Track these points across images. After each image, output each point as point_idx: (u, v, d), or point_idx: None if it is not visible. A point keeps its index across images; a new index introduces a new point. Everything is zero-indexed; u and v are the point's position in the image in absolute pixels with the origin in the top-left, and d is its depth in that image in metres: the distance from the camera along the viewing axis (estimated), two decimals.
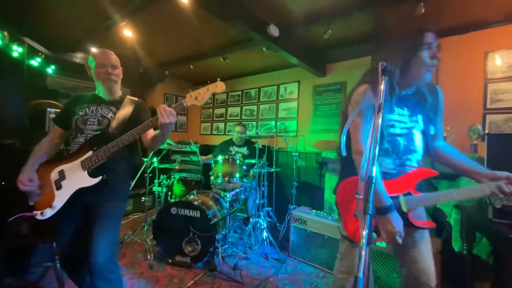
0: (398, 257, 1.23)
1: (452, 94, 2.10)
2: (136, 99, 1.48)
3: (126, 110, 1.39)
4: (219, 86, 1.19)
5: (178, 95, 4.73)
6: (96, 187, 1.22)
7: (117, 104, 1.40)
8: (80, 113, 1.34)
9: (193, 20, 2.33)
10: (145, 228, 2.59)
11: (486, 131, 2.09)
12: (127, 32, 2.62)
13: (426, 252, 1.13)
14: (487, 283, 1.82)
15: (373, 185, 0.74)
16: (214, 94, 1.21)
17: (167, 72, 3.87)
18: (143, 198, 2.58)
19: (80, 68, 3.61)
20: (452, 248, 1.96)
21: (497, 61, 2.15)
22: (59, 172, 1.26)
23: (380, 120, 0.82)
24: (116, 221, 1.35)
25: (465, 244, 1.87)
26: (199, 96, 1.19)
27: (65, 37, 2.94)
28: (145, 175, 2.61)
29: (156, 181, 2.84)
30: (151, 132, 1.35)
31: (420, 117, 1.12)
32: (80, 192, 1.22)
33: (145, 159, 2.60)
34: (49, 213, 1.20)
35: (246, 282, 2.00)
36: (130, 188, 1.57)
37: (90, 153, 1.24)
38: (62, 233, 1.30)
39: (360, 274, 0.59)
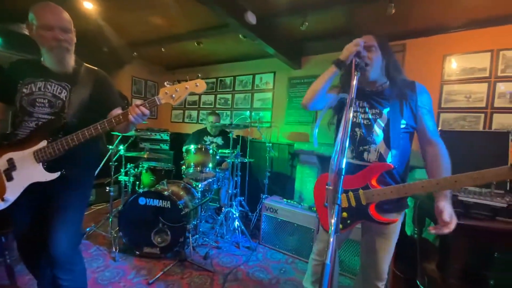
0: (361, 246, 1.32)
1: None
2: (95, 69, 1.26)
3: (84, 88, 1.17)
4: (200, 86, 1.07)
5: (148, 79, 4.44)
6: (55, 180, 1.10)
7: (71, 78, 1.16)
8: (24, 90, 1.11)
9: None
10: (110, 220, 2.45)
11: (440, 128, 2.31)
12: (87, 4, 2.35)
13: (381, 247, 1.19)
14: (433, 263, 2.06)
15: (342, 176, 0.78)
16: (193, 94, 1.10)
17: (135, 53, 3.59)
18: (107, 188, 2.42)
19: (28, 40, 3.20)
20: (405, 232, 2.18)
21: (453, 64, 2.36)
22: (7, 160, 1.09)
23: (351, 114, 0.86)
24: (78, 211, 1.24)
25: (416, 229, 2.08)
26: (176, 94, 1.06)
27: (12, 4, 2.54)
28: (110, 163, 2.44)
29: (122, 170, 2.68)
30: (118, 111, 1.22)
31: (386, 110, 1.13)
32: (37, 183, 1.09)
33: (110, 147, 2.42)
34: (1, 206, 1.07)
35: (217, 270, 2.02)
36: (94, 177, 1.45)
37: (43, 143, 1.08)
38: (19, 224, 1.18)
39: (328, 261, 0.62)
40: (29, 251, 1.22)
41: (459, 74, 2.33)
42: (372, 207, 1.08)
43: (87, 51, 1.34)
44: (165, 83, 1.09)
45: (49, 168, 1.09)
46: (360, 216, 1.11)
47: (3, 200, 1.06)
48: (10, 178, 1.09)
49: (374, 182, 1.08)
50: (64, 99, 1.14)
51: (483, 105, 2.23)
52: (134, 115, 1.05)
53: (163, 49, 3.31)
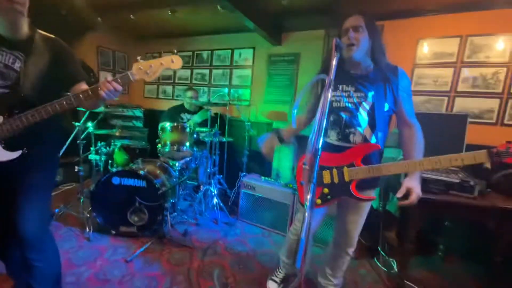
0: (335, 217, 1.43)
1: None
2: (52, 37, 1.13)
3: (41, 58, 1.05)
4: (176, 62, 1.02)
5: (116, 49, 4.06)
6: (16, 160, 1.02)
7: (26, 47, 1.04)
8: None
9: None
10: (82, 200, 2.35)
11: None
12: None
13: (354, 220, 1.31)
14: (393, 231, 2.30)
15: (318, 156, 0.81)
16: (169, 69, 1.03)
17: (99, 18, 3.21)
18: (76, 167, 2.28)
19: None
20: (372, 205, 2.39)
21: (425, 48, 2.45)
22: None
23: (329, 95, 0.87)
24: (44, 190, 1.18)
25: (381, 202, 2.28)
26: (150, 70, 1.01)
27: None
28: (78, 141, 2.28)
29: (92, 148, 2.53)
30: (82, 86, 1.13)
31: (371, 94, 1.17)
32: None
33: (77, 124, 2.25)
34: None
35: (196, 246, 2.07)
36: (60, 155, 1.35)
37: None
38: None
39: (303, 236, 0.66)
40: None
41: (430, 58, 2.44)
42: (353, 184, 1.15)
43: (42, 15, 1.16)
44: (138, 58, 1.02)
45: (8, 147, 1.00)
46: (340, 193, 1.18)
47: None
48: None
49: (359, 161, 1.15)
50: (18, 69, 1.02)
51: (448, 89, 2.39)
52: (106, 91, 0.99)
53: (132, 16, 3.01)
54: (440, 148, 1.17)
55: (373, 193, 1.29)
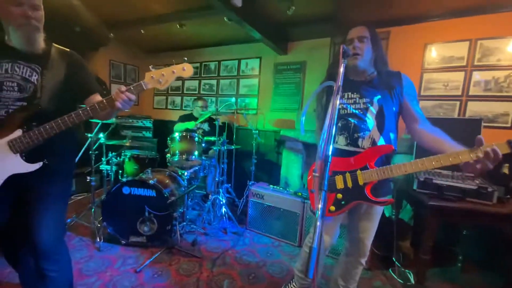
0: (347, 225, 1.39)
1: None
2: (67, 50, 1.18)
3: (57, 70, 1.09)
4: (187, 70, 1.04)
5: (127, 63, 4.21)
6: (35, 171, 1.05)
7: (42, 60, 1.08)
8: None
9: None
10: (93, 210, 2.38)
11: None
12: None
13: (366, 228, 1.27)
14: (407, 241, 2.22)
15: (328, 163, 0.80)
16: (180, 79, 1.06)
17: (111, 34, 3.35)
18: (88, 177, 2.32)
19: None
20: (384, 213, 2.32)
21: (433, 53, 2.43)
22: None
23: (338, 101, 0.87)
24: (61, 200, 1.21)
25: (394, 210, 2.21)
26: (162, 78, 1.03)
27: None
28: (90, 152, 2.34)
29: (103, 159, 2.58)
30: (96, 97, 1.17)
31: (377, 98, 1.18)
32: (16, 175, 1.03)
33: (89, 135, 2.31)
34: None
35: (205, 256, 2.05)
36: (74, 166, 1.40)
37: (18, 132, 1.01)
38: None
39: (315, 245, 0.65)
40: (10, 244, 1.18)
41: (438, 62, 2.41)
42: (368, 188, 1.12)
43: (58, 32, 1.22)
44: (150, 67, 1.05)
45: (28, 159, 1.03)
46: (355, 197, 1.15)
47: None
48: None
49: (372, 164, 1.13)
50: (35, 82, 1.06)
51: (459, 93, 2.34)
52: (120, 101, 1.01)
53: (142, 31, 3.12)
54: None
55: (389, 197, 1.26)
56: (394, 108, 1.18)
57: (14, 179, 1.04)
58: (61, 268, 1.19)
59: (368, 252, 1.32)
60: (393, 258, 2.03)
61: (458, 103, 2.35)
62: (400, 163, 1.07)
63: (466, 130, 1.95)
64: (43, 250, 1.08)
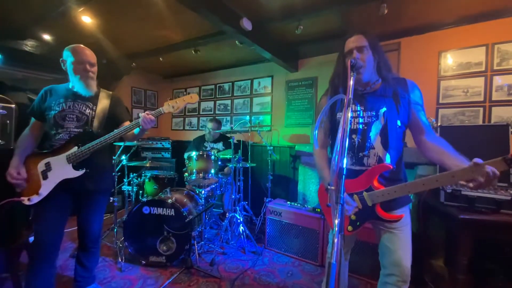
0: (378, 248, 1.24)
1: None
2: (110, 92, 1.62)
3: (103, 106, 1.52)
4: (194, 98, 1.48)
5: (147, 88, 4.49)
6: (81, 178, 1.40)
7: (94, 99, 1.51)
8: (57, 108, 1.42)
9: (163, 10, 2.21)
10: (115, 230, 2.45)
11: (439, 124, 2.32)
12: (86, 19, 2.40)
13: (399, 245, 1.13)
14: (440, 259, 2.05)
15: (344, 176, 0.79)
16: (190, 104, 1.49)
17: (134, 64, 3.63)
18: (111, 198, 2.42)
19: (30, 57, 3.24)
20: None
21: (449, 60, 2.38)
22: (45, 164, 1.39)
23: (349, 114, 0.87)
24: (103, 205, 1.63)
25: (420, 225, 2.07)
26: (176, 105, 1.45)
27: (11, 22, 2.59)
28: (113, 174, 2.46)
29: (125, 180, 2.69)
30: (127, 123, 1.51)
31: (382, 111, 1.12)
32: (65, 182, 1.39)
33: (113, 157, 2.44)
34: (35, 199, 1.35)
35: (224, 276, 2.01)
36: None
37: (75, 149, 1.39)
38: (43, 217, 1.39)
39: (333, 260, 0.62)
40: (47, 246, 1.39)
41: (455, 69, 2.35)
42: (379, 206, 1.09)
43: None
44: (168, 99, 1.48)
45: (76, 167, 1.40)
46: (368, 217, 1.12)
47: (38, 194, 1.35)
48: (45, 177, 1.39)
49: (376, 183, 1.09)
50: (88, 115, 1.47)
51: (481, 99, 2.24)
52: (143, 120, 1.37)
53: (161, 59, 3.35)
54: None
55: (404, 211, 1.15)
56: (400, 121, 1.11)
57: (65, 187, 1.39)
58: (97, 247, 1.70)
59: (409, 275, 1.13)
60: (425, 278, 1.87)
61: (481, 109, 2.24)
62: (407, 182, 1.08)
63: (493, 136, 1.84)
64: (95, 236, 1.61)
